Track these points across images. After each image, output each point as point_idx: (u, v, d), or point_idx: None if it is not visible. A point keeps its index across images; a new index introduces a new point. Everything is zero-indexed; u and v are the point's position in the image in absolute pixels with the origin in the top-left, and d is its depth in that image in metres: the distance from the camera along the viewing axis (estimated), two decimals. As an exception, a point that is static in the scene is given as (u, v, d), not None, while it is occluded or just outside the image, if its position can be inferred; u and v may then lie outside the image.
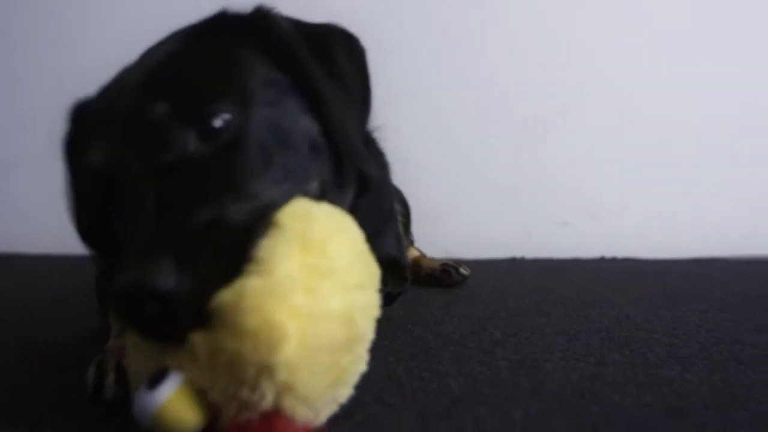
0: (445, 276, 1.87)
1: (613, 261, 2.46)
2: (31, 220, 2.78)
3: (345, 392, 0.75)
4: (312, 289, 0.69)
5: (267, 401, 0.65)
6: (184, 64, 0.88)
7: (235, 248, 0.72)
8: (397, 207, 1.80)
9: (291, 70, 0.93)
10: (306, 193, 0.86)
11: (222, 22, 0.95)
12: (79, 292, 1.26)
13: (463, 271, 1.88)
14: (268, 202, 0.78)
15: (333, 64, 0.99)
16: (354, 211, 0.95)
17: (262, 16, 0.95)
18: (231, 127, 0.83)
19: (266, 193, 0.80)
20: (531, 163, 2.62)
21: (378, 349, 0.84)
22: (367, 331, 0.76)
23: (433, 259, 1.96)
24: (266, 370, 0.64)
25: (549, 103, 2.61)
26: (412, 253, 1.98)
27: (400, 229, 1.77)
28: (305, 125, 0.92)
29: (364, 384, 0.80)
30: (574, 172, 2.62)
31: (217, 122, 0.82)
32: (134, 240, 0.73)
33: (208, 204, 0.76)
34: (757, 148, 2.59)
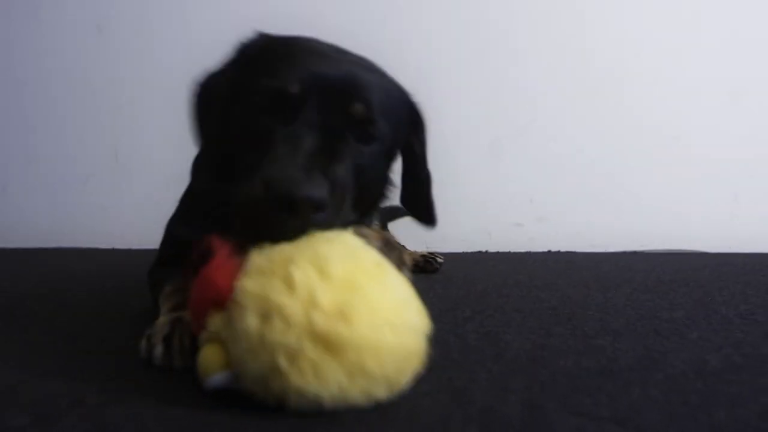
0: (428, 265, 1.88)
1: (558, 254, 2.46)
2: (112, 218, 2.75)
3: None
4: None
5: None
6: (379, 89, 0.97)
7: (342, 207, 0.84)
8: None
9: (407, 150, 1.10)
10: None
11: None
12: (135, 280, 1.24)
13: (439, 259, 1.90)
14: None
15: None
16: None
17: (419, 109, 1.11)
18: (378, 144, 0.94)
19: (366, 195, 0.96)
20: (491, 176, 2.63)
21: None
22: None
23: (414, 252, 1.96)
24: None
25: (506, 128, 2.62)
26: None
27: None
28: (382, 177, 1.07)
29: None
30: (526, 184, 2.63)
31: (378, 135, 0.93)
32: (298, 154, 0.80)
33: (344, 173, 0.86)
34: (672, 161, 2.61)
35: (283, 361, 0.63)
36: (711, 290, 1.51)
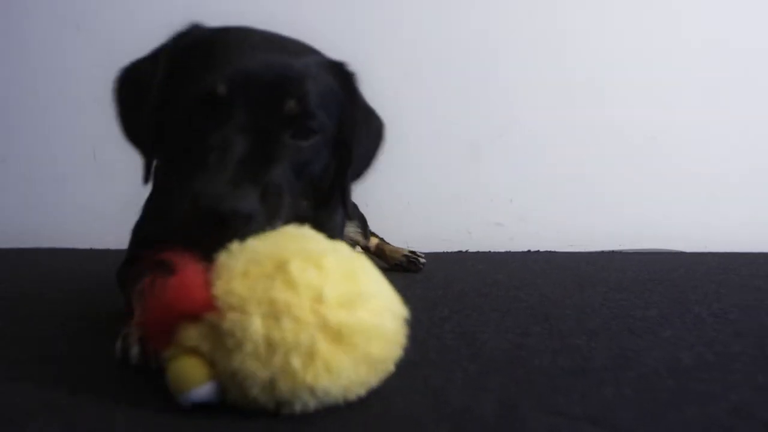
0: (411, 265, 1.88)
1: (537, 254, 2.48)
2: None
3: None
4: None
5: None
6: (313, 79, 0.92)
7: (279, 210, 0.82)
8: (357, 222, 1.86)
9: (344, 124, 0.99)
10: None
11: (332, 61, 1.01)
12: (114, 281, 1.23)
13: (422, 260, 1.90)
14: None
15: (368, 137, 1.08)
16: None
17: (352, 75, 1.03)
18: (319, 136, 0.92)
19: (300, 191, 0.91)
20: (472, 177, 2.63)
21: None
22: None
23: (396, 248, 1.95)
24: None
25: (487, 130, 2.63)
26: (374, 241, 1.98)
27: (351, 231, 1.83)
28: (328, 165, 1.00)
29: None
30: (506, 185, 2.64)
31: (317, 127, 0.91)
32: (226, 164, 0.78)
33: (281, 172, 0.84)
34: (649, 162, 2.64)
35: (296, 361, 0.62)
36: (685, 289, 1.52)
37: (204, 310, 0.66)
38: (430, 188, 2.62)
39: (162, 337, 0.69)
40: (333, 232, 1.08)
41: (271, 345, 0.62)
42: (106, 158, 2.66)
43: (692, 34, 2.61)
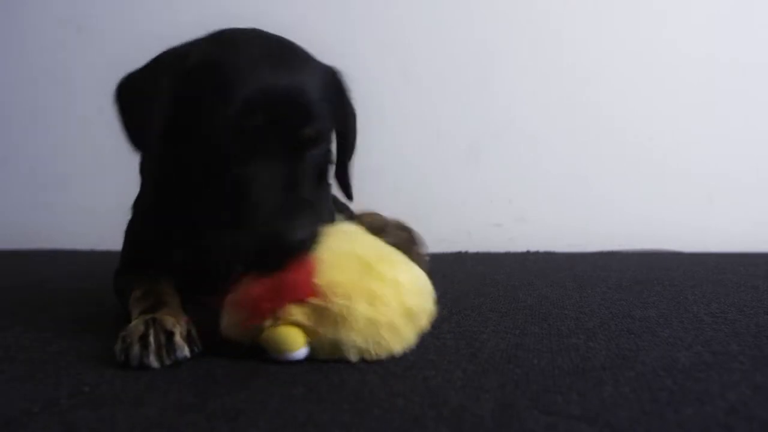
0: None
1: (536, 254, 2.47)
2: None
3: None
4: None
5: None
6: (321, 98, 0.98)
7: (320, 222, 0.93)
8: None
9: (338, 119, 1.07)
10: None
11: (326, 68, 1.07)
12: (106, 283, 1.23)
13: (426, 258, 1.88)
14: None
15: (355, 123, 1.16)
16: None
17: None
18: (324, 144, 1.02)
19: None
20: (471, 178, 2.63)
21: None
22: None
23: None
24: None
25: (486, 130, 2.63)
26: None
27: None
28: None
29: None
30: (505, 185, 2.64)
31: (324, 139, 1.00)
32: (276, 195, 0.89)
33: (311, 186, 0.96)
34: (647, 163, 2.64)
35: (386, 335, 0.87)
36: (684, 289, 1.52)
37: (308, 295, 0.85)
38: (428, 189, 2.62)
39: (265, 313, 0.86)
40: (331, 218, 1.14)
41: (370, 323, 0.85)
42: (108, 160, 2.65)
43: (689, 36, 2.61)
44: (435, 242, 2.48)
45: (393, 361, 0.88)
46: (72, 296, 1.49)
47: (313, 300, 0.85)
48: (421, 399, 0.72)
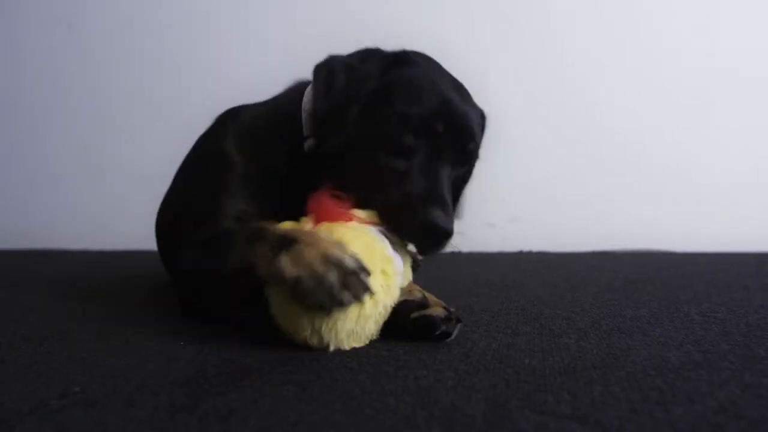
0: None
1: (529, 254, 2.48)
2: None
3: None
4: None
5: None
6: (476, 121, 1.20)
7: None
8: None
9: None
10: None
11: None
12: (107, 281, 1.22)
13: (419, 257, 1.89)
14: None
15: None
16: None
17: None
18: (469, 167, 1.24)
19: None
20: (465, 178, 2.64)
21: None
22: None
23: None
24: None
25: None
26: None
27: None
28: None
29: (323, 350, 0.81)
30: (498, 186, 2.64)
31: (473, 161, 1.23)
32: (443, 192, 1.05)
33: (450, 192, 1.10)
34: (640, 164, 2.65)
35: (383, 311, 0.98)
36: (675, 289, 1.53)
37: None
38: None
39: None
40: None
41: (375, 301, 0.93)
42: (100, 160, 2.65)
43: (684, 38, 2.63)
44: (428, 242, 2.50)
45: (385, 360, 0.88)
46: (65, 296, 1.48)
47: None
48: (413, 399, 0.72)
